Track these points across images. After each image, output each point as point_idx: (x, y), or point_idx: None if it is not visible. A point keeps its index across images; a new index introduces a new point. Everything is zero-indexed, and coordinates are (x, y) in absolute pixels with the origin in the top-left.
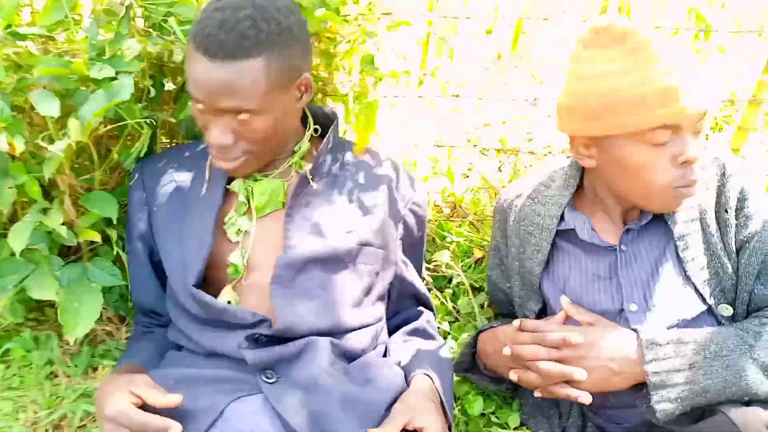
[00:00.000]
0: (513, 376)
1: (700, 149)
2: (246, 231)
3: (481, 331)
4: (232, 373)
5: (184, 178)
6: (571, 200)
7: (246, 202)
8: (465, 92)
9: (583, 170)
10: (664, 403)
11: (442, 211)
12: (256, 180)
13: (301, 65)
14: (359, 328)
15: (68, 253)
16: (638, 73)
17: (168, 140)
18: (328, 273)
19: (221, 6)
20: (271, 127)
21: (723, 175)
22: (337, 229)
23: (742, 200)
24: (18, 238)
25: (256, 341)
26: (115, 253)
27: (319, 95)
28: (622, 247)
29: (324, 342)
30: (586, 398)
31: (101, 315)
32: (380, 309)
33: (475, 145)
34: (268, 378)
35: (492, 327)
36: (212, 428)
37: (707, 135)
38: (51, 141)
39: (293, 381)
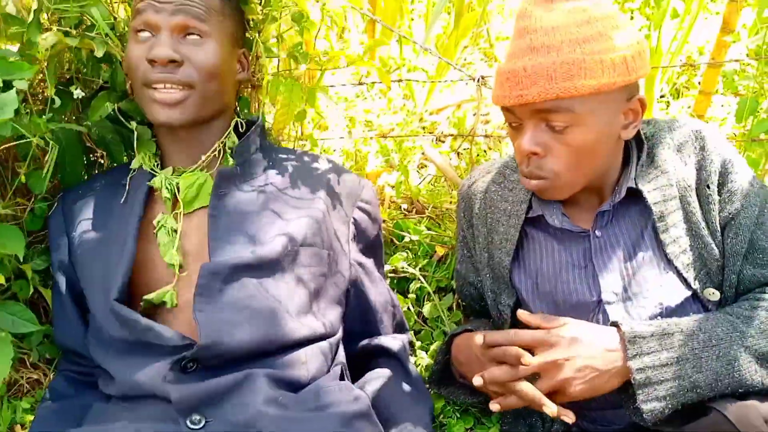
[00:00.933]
0: (494, 406)
1: (534, 144)
2: (176, 230)
3: (454, 336)
4: (153, 426)
5: (104, 199)
6: None
7: (170, 197)
8: (415, 77)
9: None
10: (651, 403)
11: (399, 208)
12: (181, 174)
13: (241, 39)
14: (308, 342)
15: None
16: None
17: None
18: (262, 280)
19: None
20: (216, 61)
21: (703, 149)
22: (268, 232)
23: (724, 174)
24: None
25: (183, 370)
26: (32, 291)
27: (248, 88)
28: (596, 232)
29: (260, 373)
30: (570, 418)
31: (24, 361)
32: (333, 317)
33: (431, 132)
34: (193, 424)
35: (466, 330)
36: None
37: (667, 103)
38: None
39: (226, 423)
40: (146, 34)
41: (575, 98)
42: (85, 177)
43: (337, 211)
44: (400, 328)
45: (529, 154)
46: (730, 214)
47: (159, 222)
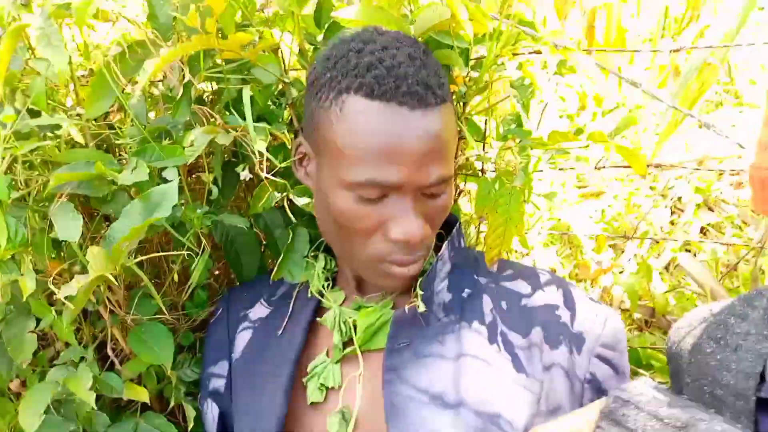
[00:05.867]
0: None
1: None
2: (332, 388)
3: None
4: None
5: (268, 315)
6: None
7: (341, 345)
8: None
9: None
10: None
11: (633, 322)
12: (359, 307)
13: None
14: None
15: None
16: None
17: None
18: None
19: (380, 40)
20: (449, 204)
21: None
22: (475, 399)
23: None
24: (30, 413)
25: None
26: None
27: None
28: None
29: None
30: None
31: None
32: None
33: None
34: None
35: None
36: None
37: None
38: (84, 269)
39: None
40: (375, 192)
41: None
42: None
43: (564, 361)
44: None
45: None
46: None
47: (314, 369)
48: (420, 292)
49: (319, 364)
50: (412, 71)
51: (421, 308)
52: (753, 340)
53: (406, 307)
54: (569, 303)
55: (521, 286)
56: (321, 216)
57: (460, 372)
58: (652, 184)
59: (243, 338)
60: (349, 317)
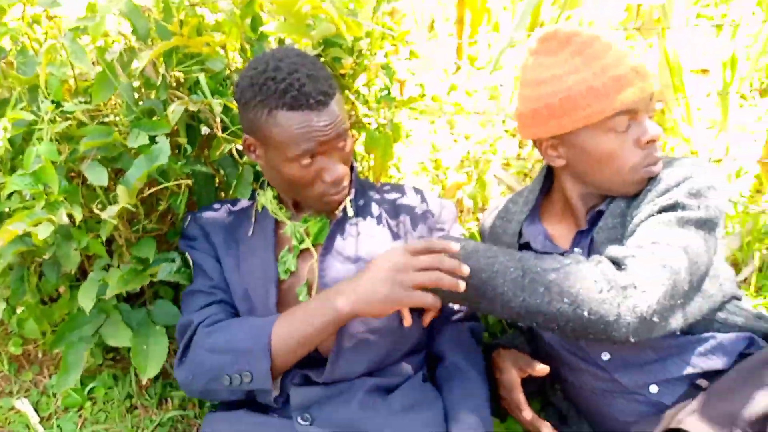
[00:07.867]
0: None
1: (658, 128)
2: (293, 272)
3: (492, 346)
4: (274, 420)
5: (231, 228)
6: (534, 212)
7: (298, 244)
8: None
9: (552, 179)
10: None
11: (477, 219)
12: (305, 220)
13: None
14: (410, 354)
15: (134, 296)
16: (588, 68)
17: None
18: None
19: (284, 66)
20: (353, 148)
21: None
22: (368, 256)
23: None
24: (87, 296)
25: (306, 380)
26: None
27: None
28: (575, 249)
29: (362, 383)
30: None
31: (168, 350)
32: (423, 334)
33: (513, 135)
34: (303, 421)
35: (499, 344)
36: None
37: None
38: (104, 206)
39: (327, 422)
40: (308, 158)
41: None
42: None
43: (423, 235)
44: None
45: (658, 138)
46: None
47: (282, 258)
48: (350, 205)
49: (286, 254)
50: (313, 87)
51: (351, 213)
52: (518, 214)
53: (339, 212)
54: (423, 201)
55: (394, 195)
56: (274, 179)
57: (360, 242)
58: (506, 128)
59: (215, 237)
60: (300, 228)
